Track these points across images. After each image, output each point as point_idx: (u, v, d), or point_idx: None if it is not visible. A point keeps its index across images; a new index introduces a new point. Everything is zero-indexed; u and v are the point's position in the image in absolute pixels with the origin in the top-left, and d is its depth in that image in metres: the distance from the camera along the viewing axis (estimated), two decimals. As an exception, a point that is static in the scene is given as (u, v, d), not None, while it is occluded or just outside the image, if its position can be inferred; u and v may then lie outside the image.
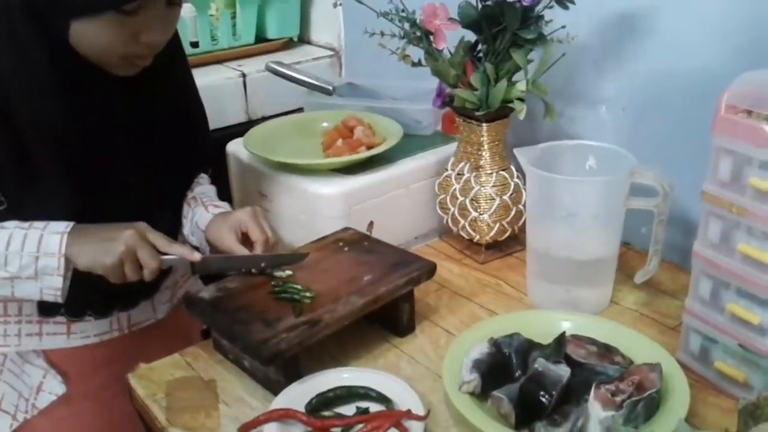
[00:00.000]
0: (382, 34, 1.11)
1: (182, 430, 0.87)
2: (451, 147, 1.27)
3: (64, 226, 0.92)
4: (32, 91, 0.90)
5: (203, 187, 1.17)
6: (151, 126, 1.03)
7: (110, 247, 0.90)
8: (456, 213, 1.22)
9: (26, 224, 0.92)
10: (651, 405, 0.81)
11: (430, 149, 1.33)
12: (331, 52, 1.80)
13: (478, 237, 1.22)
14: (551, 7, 1.07)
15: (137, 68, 0.94)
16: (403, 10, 1.11)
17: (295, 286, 0.96)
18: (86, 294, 1.03)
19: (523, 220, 1.21)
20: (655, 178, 0.98)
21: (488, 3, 1.08)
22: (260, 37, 1.80)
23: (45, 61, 0.89)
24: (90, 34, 0.87)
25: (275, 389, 0.89)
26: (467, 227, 1.22)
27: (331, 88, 1.48)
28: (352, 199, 1.20)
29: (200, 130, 1.15)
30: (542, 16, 1.07)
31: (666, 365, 0.86)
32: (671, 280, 1.14)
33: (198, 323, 1.28)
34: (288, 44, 1.85)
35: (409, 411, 0.82)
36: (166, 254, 0.94)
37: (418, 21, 1.11)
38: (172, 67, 1.05)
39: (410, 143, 1.33)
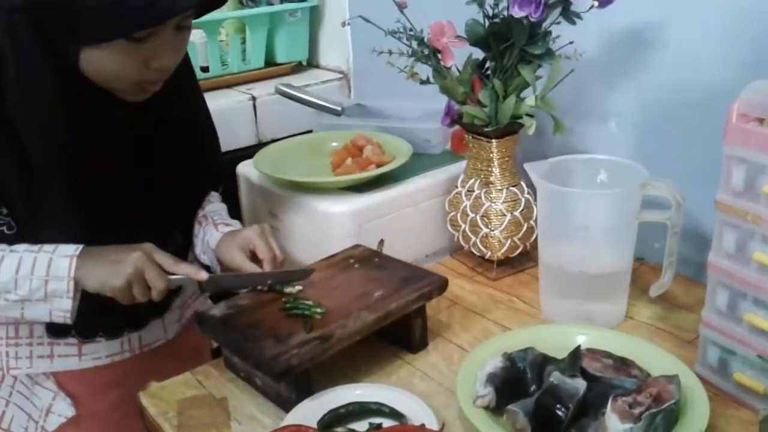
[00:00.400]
0: (390, 52, 1.12)
1: (194, 449, 0.86)
2: (461, 165, 1.27)
3: (73, 249, 0.92)
4: (41, 115, 0.91)
5: (214, 206, 1.17)
6: (160, 148, 1.04)
7: (118, 270, 0.91)
8: (467, 230, 1.22)
9: (36, 247, 0.93)
10: (670, 417, 0.79)
11: (440, 167, 1.33)
12: (340, 75, 1.82)
13: (489, 254, 1.21)
14: (558, 23, 1.07)
15: (147, 94, 0.95)
16: (410, 29, 1.12)
17: (306, 302, 0.95)
18: (97, 315, 1.03)
19: (534, 236, 1.20)
20: (667, 189, 0.97)
21: (495, 20, 1.09)
22: (269, 62, 1.82)
23: (54, 85, 0.90)
24: (100, 61, 0.88)
25: (287, 406, 0.88)
26: (478, 244, 1.21)
27: (340, 109, 1.49)
28: (363, 218, 1.20)
29: (211, 150, 1.15)
30: (550, 32, 1.08)
31: (684, 377, 0.85)
32: (686, 294, 1.12)
33: (208, 342, 1.28)
34: (297, 68, 1.87)
35: (423, 426, 0.80)
36: (173, 274, 0.94)
37: (425, 39, 1.12)
38: (182, 88, 1.06)
39: (419, 162, 1.33)
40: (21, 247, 0.93)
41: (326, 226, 1.20)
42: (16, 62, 0.88)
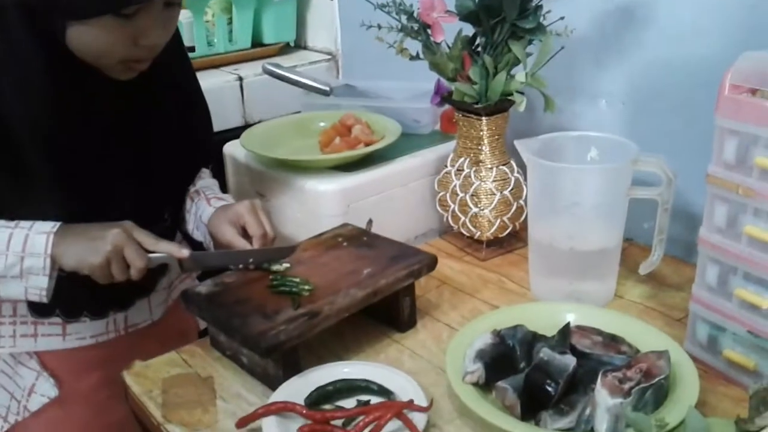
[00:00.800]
0: (380, 26, 1.10)
1: (179, 427, 0.84)
2: (450, 145, 1.25)
3: (50, 226, 0.90)
4: (25, 92, 0.89)
5: (205, 181, 1.16)
6: (152, 126, 1.02)
7: (97, 247, 0.89)
8: (456, 209, 1.21)
9: (12, 224, 0.90)
10: (660, 392, 0.79)
11: (429, 147, 1.32)
12: (328, 56, 1.80)
13: (479, 233, 1.20)
14: (549, -4, 1.06)
15: (134, 72, 0.93)
16: (400, 3, 1.10)
17: (294, 279, 0.94)
18: (82, 294, 1.01)
19: (524, 216, 1.19)
20: (658, 165, 0.96)
21: (486, -6, 1.07)
22: (256, 43, 1.80)
23: (40, 61, 0.88)
24: (88, 38, 0.86)
25: (274, 384, 0.87)
26: (468, 224, 1.20)
27: (328, 89, 1.47)
28: (351, 197, 1.19)
29: (203, 126, 1.14)
30: (541, 6, 1.06)
31: (674, 354, 0.84)
32: (676, 273, 1.12)
33: (195, 324, 1.27)
34: (284, 49, 1.85)
35: (411, 401, 0.79)
36: (153, 252, 0.92)
37: (415, 14, 1.11)
38: (171, 65, 1.04)
39: (409, 142, 1.32)
40: None
41: (314, 205, 1.19)
42: (1, 38, 0.86)
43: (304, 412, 0.80)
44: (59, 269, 0.91)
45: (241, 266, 0.98)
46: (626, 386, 0.77)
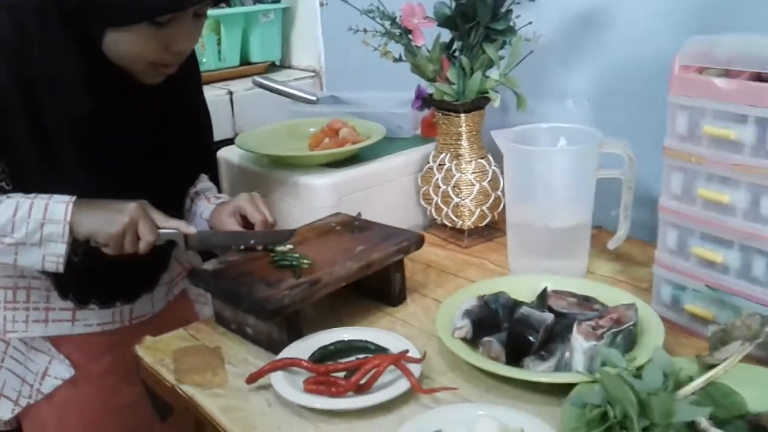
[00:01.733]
0: (366, 30, 1.21)
1: (192, 387, 0.91)
2: (431, 147, 1.35)
3: (68, 198, 0.95)
4: (63, 91, 0.96)
5: (204, 184, 1.24)
6: (165, 131, 1.10)
7: (115, 218, 0.95)
8: (439, 201, 1.30)
9: (32, 195, 0.95)
10: (629, 337, 0.88)
11: (412, 148, 1.41)
12: (312, 73, 1.90)
13: (460, 223, 1.29)
14: (518, 2, 1.18)
15: (162, 76, 1.01)
16: (383, 10, 1.21)
17: (294, 254, 1.02)
18: (92, 282, 1.08)
19: (501, 206, 1.29)
20: (621, 147, 1.07)
21: (462, 1, 1.19)
22: (244, 61, 1.89)
23: (77, 64, 0.96)
24: (123, 43, 0.94)
25: (278, 349, 0.94)
26: (450, 214, 1.29)
27: (315, 98, 1.57)
28: (342, 190, 1.27)
29: (207, 133, 1.23)
30: (511, 10, 1.18)
31: (641, 309, 0.93)
32: (641, 253, 1.22)
33: (195, 315, 1.33)
34: (270, 68, 1.95)
35: (407, 351, 0.87)
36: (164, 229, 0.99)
37: (397, 19, 1.21)
38: (188, 78, 1.13)
39: (393, 144, 1.41)
40: (17, 195, 0.96)
41: (308, 199, 1.27)
42: (40, 38, 0.94)
43: (308, 366, 0.87)
44: (72, 250, 0.97)
45: (243, 247, 1.06)
46: (599, 332, 0.86)
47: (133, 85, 1.00)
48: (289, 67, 1.99)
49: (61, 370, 1.12)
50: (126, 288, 1.14)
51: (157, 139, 1.09)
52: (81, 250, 0.99)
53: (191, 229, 1.01)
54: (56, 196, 0.96)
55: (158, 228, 0.99)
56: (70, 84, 0.96)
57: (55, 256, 0.95)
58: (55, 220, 0.94)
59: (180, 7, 0.91)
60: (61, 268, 0.96)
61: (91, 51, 0.95)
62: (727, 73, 0.88)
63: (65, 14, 0.93)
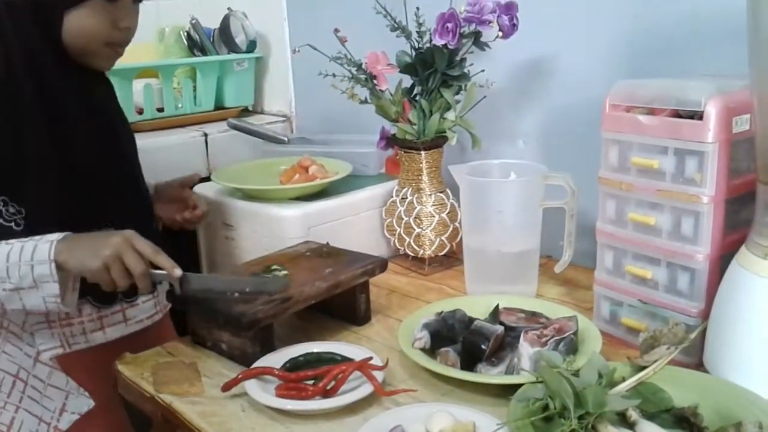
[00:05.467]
0: (334, 75, 1.32)
1: (170, 395, 0.98)
2: (395, 183, 1.46)
3: (56, 236, 0.97)
4: (38, 83, 1.05)
5: None
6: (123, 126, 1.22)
7: (96, 252, 0.96)
8: (402, 232, 1.40)
9: (27, 238, 0.98)
10: (570, 345, 0.97)
11: (377, 184, 1.52)
12: (283, 118, 2.01)
13: (422, 252, 1.39)
14: (472, 52, 1.31)
15: (114, 58, 1.12)
16: (350, 57, 1.33)
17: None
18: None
19: (459, 237, 1.39)
20: (564, 180, 1.19)
21: (421, 50, 1.31)
22: (219, 106, 2.00)
23: (47, 53, 1.05)
24: (79, 22, 1.04)
25: (251, 362, 1.01)
26: (412, 244, 1.39)
27: (286, 139, 1.68)
28: (310, 221, 1.37)
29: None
30: (465, 59, 1.31)
31: (582, 323, 1.03)
32: (586, 278, 1.32)
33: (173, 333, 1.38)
34: (243, 113, 2.06)
35: (370, 358, 0.96)
36: (154, 266, 1.00)
37: (363, 65, 1.33)
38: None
39: (359, 181, 1.52)
40: (14, 240, 0.98)
41: (278, 230, 1.36)
42: (11, 30, 1.04)
43: (279, 373, 0.95)
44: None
45: (237, 294, 1.03)
46: (543, 339, 0.96)
47: (93, 85, 1.13)
48: (261, 112, 2.10)
49: (79, 404, 1.13)
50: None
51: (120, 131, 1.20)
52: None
53: (177, 272, 1.00)
54: (46, 236, 0.97)
55: (149, 260, 0.99)
56: (46, 77, 1.06)
57: (52, 296, 0.97)
58: (42, 260, 0.95)
59: None
60: (63, 308, 0.99)
61: (57, 43, 1.05)
62: (650, 111, 1.00)
63: (31, 4, 1.03)
